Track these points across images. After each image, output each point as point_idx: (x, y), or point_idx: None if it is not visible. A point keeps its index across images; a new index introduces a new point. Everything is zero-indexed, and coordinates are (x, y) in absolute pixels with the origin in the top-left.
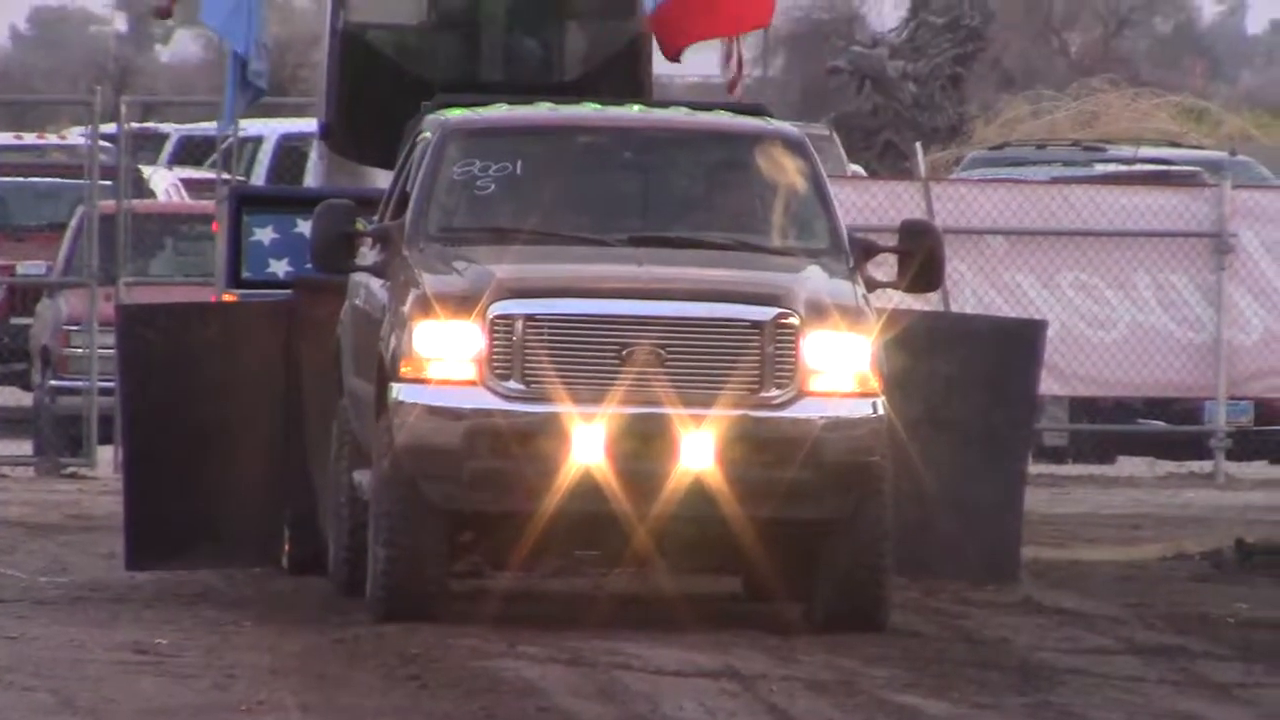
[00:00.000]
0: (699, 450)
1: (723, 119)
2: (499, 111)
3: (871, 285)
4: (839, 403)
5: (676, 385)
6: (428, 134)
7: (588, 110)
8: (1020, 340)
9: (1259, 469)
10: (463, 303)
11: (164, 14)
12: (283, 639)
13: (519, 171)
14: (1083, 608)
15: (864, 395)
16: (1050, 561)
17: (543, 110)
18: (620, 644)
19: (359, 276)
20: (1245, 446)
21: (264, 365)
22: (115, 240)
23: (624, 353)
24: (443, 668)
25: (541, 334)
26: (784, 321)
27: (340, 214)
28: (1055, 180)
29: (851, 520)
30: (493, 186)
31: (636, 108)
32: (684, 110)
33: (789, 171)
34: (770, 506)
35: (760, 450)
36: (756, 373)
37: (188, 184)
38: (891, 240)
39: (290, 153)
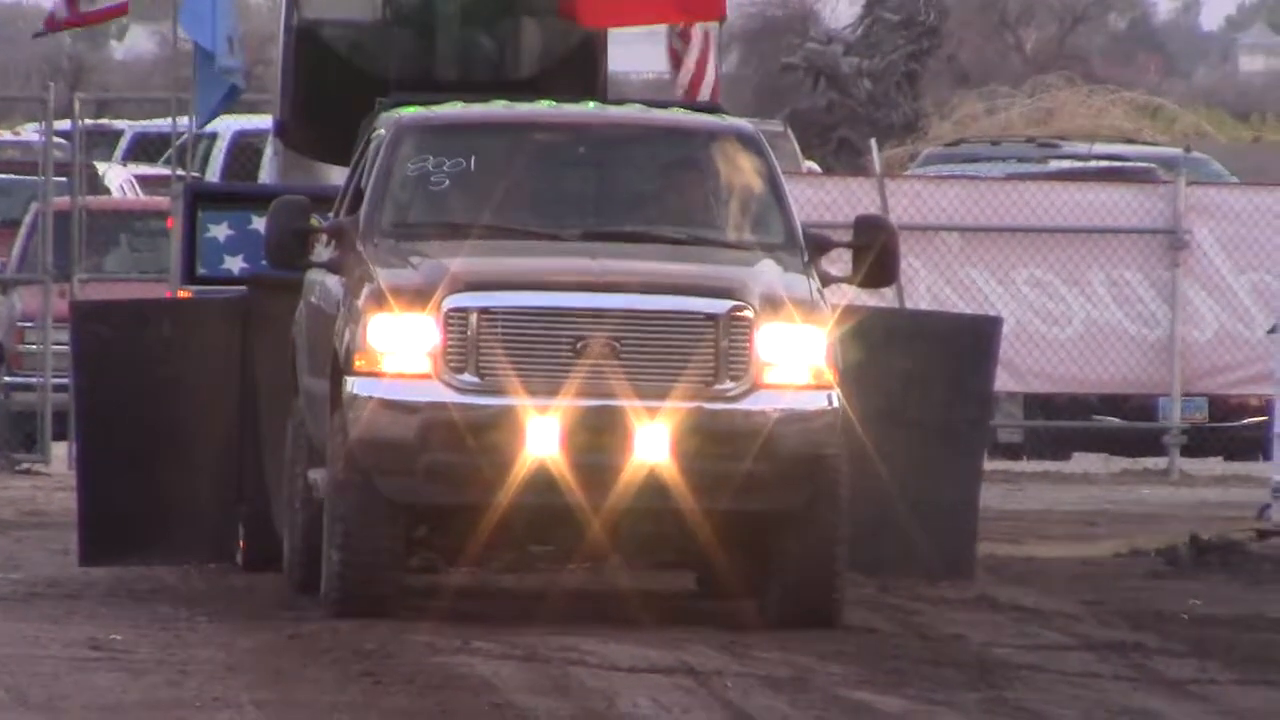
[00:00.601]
0: (653, 443)
1: (677, 115)
2: (453, 109)
3: (826, 280)
4: (794, 395)
5: (631, 378)
6: (381, 131)
7: (542, 107)
8: (975, 337)
9: (1213, 465)
10: (417, 296)
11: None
12: (237, 635)
13: (473, 168)
14: (1038, 604)
15: (819, 388)
16: (1005, 558)
17: (497, 107)
18: (575, 640)
19: (314, 275)
20: (1200, 443)
21: (218, 362)
22: (70, 237)
23: (578, 345)
24: (397, 664)
25: (496, 327)
26: (738, 314)
27: (294, 210)
28: (1010, 177)
29: (806, 514)
30: (447, 182)
31: (592, 105)
32: (639, 107)
33: (743, 167)
34: (725, 499)
35: (715, 443)
36: (711, 365)
37: (142, 180)
38: (847, 236)
39: (245, 149)
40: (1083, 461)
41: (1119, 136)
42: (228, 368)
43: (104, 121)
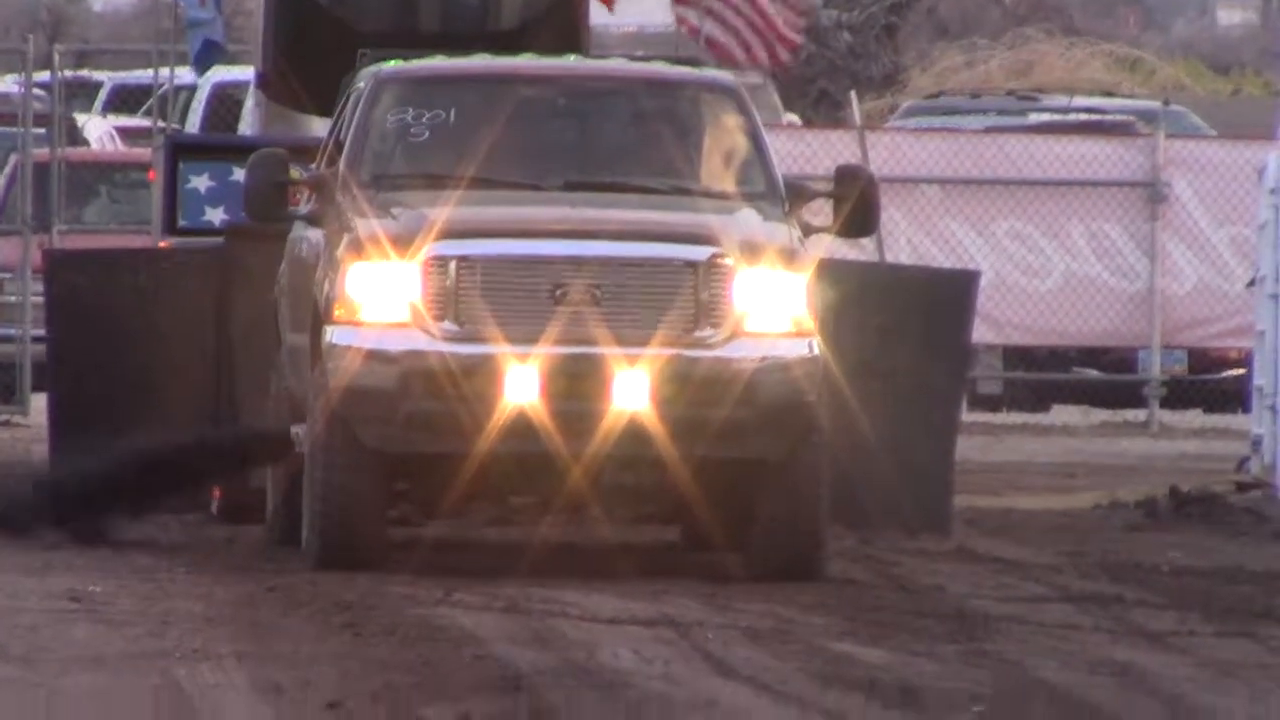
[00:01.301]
0: (633, 390)
1: (658, 68)
2: (432, 62)
3: (807, 230)
4: (774, 342)
5: (610, 325)
6: (361, 84)
7: (522, 60)
8: (953, 290)
9: (1193, 417)
10: (396, 244)
11: None
12: (217, 587)
13: (452, 119)
14: (1017, 556)
15: (799, 335)
16: (985, 510)
17: (477, 60)
18: (556, 592)
19: (297, 231)
20: (1179, 395)
21: (195, 313)
22: (49, 188)
23: (558, 293)
24: (378, 615)
25: (475, 275)
26: (718, 261)
27: (273, 163)
28: (989, 129)
29: (787, 464)
30: (426, 134)
31: (573, 58)
32: (620, 60)
33: (724, 118)
34: (705, 446)
35: (695, 389)
36: (691, 313)
37: (122, 132)
38: (828, 189)
39: (225, 100)
40: (1062, 414)
41: (1098, 89)
42: (203, 319)
43: (83, 73)
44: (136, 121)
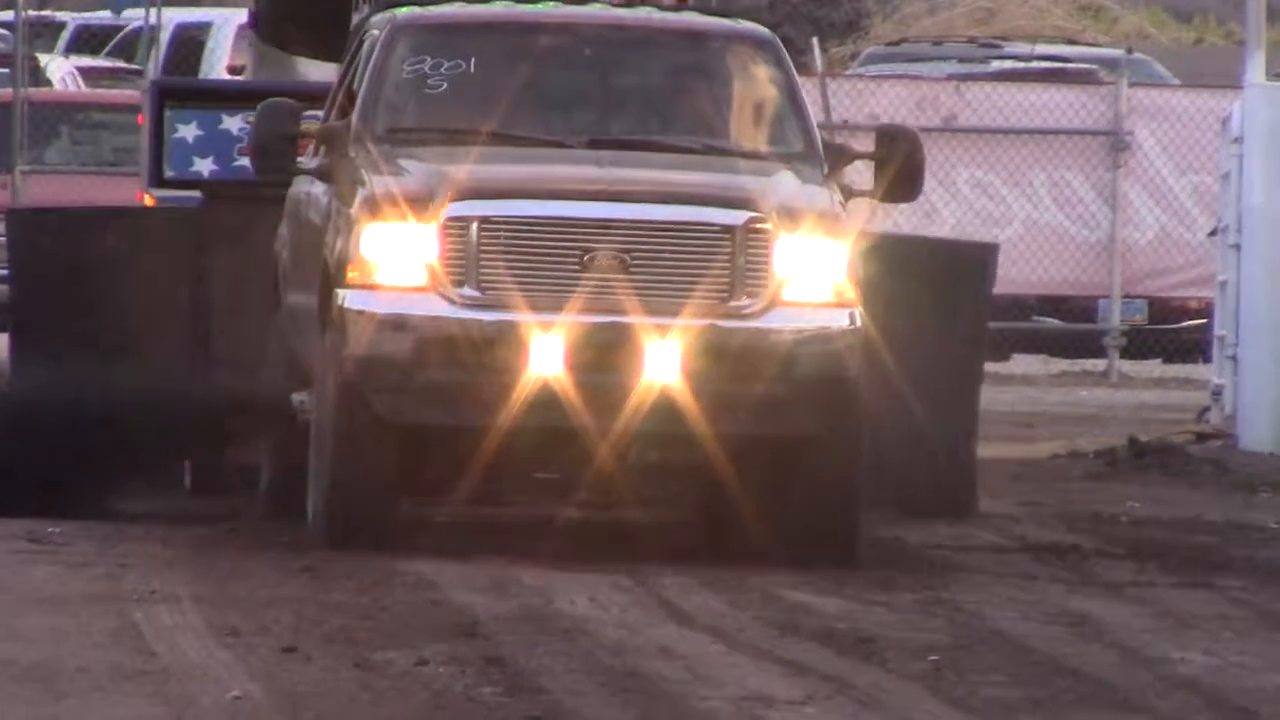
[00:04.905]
0: (664, 362)
1: (690, 18)
2: (451, 7)
3: (847, 193)
4: (814, 313)
5: (641, 293)
6: (375, 31)
7: (547, 7)
8: (972, 263)
9: (1152, 367)
10: (414, 204)
11: None
12: (175, 530)
13: (472, 70)
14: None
15: (840, 306)
16: None
17: (498, 6)
18: (516, 542)
19: (301, 186)
20: (1139, 345)
21: (169, 276)
22: (11, 129)
23: (585, 258)
24: (336, 561)
25: (498, 238)
26: (756, 226)
27: (284, 114)
28: (951, 77)
29: (825, 441)
30: (444, 85)
31: (599, 5)
32: (649, 10)
33: (759, 73)
34: (739, 422)
35: (730, 362)
36: (726, 280)
37: (85, 73)
38: None
39: (187, 42)
40: (1022, 363)
41: (1061, 37)
42: (177, 282)
43: (46, 13)
44: (99, 63)
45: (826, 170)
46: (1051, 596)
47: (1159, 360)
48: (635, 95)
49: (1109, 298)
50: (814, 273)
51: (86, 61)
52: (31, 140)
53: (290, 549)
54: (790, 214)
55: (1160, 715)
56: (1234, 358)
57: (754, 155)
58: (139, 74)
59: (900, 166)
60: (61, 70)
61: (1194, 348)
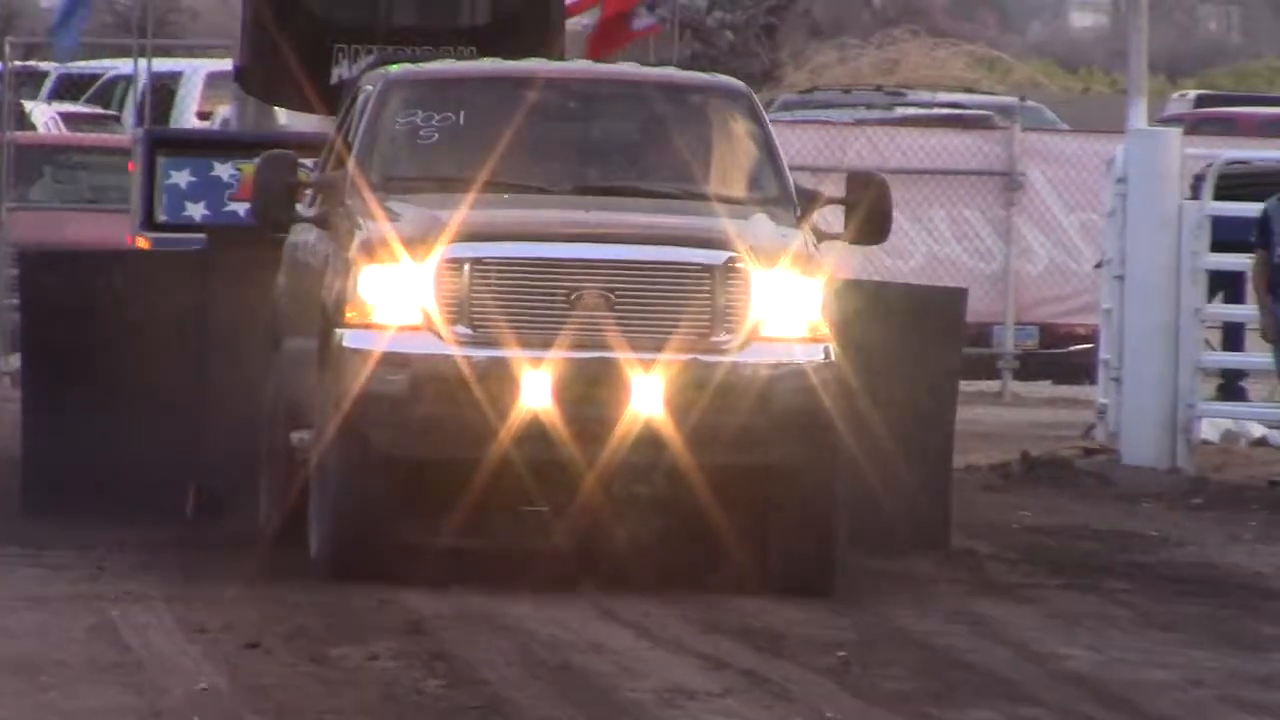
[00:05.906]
0: (648, 395)
1: (668, 71)
2: (441, 64)
3: (819, 236)
4: (789, 348)
5: (625, 330)
6: (369, 86)
7: (533, 63)
8: (940, 310)
9: (1043, 388)
10: (409, 247)
11: None
12: (150, 535)
13: (462, 122)
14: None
15: (815, 341)
16: None
17: (486, 63)
18: (480, 551)
19: (298, 235)
20: (1031, 367)
21: (172, 316)
22: None
23: (572, 297)
24: (299, 560)
25: (489, 278)
26: (735, 265)
27: (283, 165)
28: (859, 122)
29: (802, 471)
30: (436, 136)
31: (583, 62)
32: (630, 64)
33: (734, 123)
34: (720, 453)
35: (710, 395)
36: (707, 317)
37: (65, 118)
38: None
39: (159, 90)
40: None
41: (960, 86)
42: (181, 321)
43: (31, 63)
44: (78, 108)
45: (799, 213)
46: (950, 598)
47: (1049, 382)
48: (617, 144)
49: (1003, 324)
50: (789, 309)
51: (68, 107)
52: (17, 179)
53: (254, 554)
54: (766, 254)
55: (1048, 706)
56: (1117, 379)
57: (730, 200)
58: (116, 119)
59: (869, 210)
60: (45, 115)
61: (1081, 370)
